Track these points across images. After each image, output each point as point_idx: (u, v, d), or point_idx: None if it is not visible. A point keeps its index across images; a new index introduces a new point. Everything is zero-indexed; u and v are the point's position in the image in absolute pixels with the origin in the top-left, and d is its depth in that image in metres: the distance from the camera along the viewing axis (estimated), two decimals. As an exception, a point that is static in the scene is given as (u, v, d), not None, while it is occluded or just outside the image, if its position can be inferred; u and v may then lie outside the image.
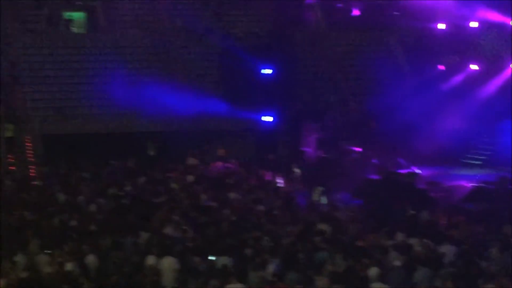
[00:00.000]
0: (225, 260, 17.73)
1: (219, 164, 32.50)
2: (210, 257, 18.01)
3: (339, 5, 40.23)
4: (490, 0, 35.88)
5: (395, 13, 40.18)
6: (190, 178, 29.42)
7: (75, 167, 30.47)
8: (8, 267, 16.86)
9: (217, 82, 38.79)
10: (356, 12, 39.83)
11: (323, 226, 21.42)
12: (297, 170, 31.57)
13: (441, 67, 39.66)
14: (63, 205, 23.92)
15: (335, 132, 37.17)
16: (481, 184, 30.16)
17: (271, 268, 17.48)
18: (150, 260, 17.71)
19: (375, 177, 32.68)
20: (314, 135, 36.91)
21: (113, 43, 38.82)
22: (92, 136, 34.73)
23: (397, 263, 17.91)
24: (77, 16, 40.71)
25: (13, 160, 33.68)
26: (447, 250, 19.31)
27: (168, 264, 17.48)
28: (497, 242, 19.91)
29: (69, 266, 17.00)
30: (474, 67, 38.38)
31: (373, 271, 17.36)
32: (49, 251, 18.03)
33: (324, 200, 28.04)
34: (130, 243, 19.21)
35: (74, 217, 21.85)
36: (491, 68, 37.73)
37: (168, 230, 20.50)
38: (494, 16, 36.81)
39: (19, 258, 17.59)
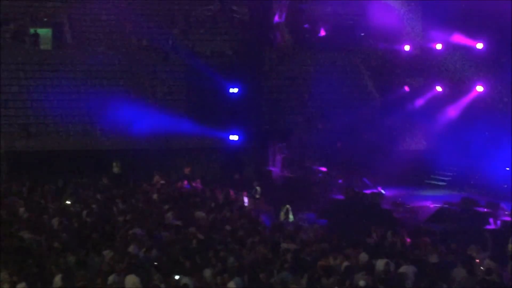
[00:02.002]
0: (186, 280, 17.69)
1: (185, 182, 32.44)
2: (175, 276, 17.93)
3: (306, 25, 40.44)
4: (455, 23, 36.20)
5: (361, 34, 40.47)
6: (156, 196, 29.32)
7: (39, 185, 30.19)
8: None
9: (184, 101, 38.83)
10: (323, 32, 40.06)
11: (287, 246, 21.43)
12: (258, 188, 31.61)
13: (406, 88, 39.98)
14: (26, 222, 23.67)
15: (301, 152, 37.32)
16: (444, 205, 30.36)
17: (233, 287, 17.44)
18: (113, 278, 17.59)
19: (340, 197, 32.85)
20: (280, 155, 37.05)
21: (80, 60, 38.72)
22: (57, 153, 34.58)
23: (362, 283, 17.94)
24: (44, 32, 40.55)
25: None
26: (409, 270, 19.39)
27: (131, 282, 17.40)
28: (461, 263, 20.03)
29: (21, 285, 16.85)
30: (438, 88, 38.75)
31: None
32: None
33: (290, 219, 28.12)
34: (94, 261, 19.08)
35: (38, 235, 21.65)
36: (456, 90, 38.08)
37: (132, 248, 20.40)
38: (459, 39, 37.20)
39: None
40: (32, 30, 40.04)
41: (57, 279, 17.28)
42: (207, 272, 18.59)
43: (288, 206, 28.79)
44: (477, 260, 20.71)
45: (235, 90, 37.60)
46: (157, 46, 39.62)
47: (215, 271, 18.61)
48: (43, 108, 36.79)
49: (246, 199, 30.18)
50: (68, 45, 40.12)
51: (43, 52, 39.51)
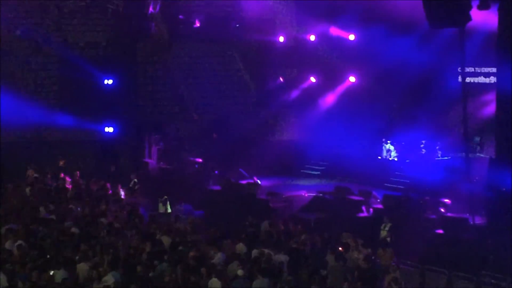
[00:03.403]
0: (62, 274, 17.45)
1: (61, 175, 31.91)
2: (50, 272, 17.66)
3: (181, 16, 40.32)
4: (328, 14, 36.85)
5: (236, 25, 40.66)
6: (29, 190, 28.78)
7: None
8: None
9: (56, 92, 38.15)
10: (197, 23, 40.03)
11: (164, 238, 21.43)
12: (135, 180, 31.43)
13: (281, 79, 40.46)
14: None
15: (177, 143, 37.31)
16: (319, 194, 30.92)
17: (110, 280, 17.32)
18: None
19: (216, 187, 33.03)
20: (156, 146, 36.93)
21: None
22: None
23: (239, 273, 18.11)
24: None
25: None
26: (285, 259, 19.70)
27: (1, 280, 17.04)
28: (333, 250, 20.47)
29: None
30: (312, 79, 39.38)
31: (214, 282, 17.49)
32: None
33: (168, 210, 28.10)
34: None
35: None
36: (329, 80, 38.79)
37: (8, 244, 19.98)
38: (332, 30, 37.89)
39: None
40: None
41: None
42: (83, 266, 18.39)
43: (166, 197, 28.77)
44: (351, 247, 21.19)
45: (110, 81, 37.23)
46: (29, 37, 38.74)
47: (91, 265, 18.42)
48: None
49: (122, 192, 29.95)
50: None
51: None
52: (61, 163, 33.82)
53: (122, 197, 29.35)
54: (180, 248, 20.39)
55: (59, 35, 39.45)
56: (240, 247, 20.91)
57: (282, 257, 19.76)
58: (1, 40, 38.31)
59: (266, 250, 20.14)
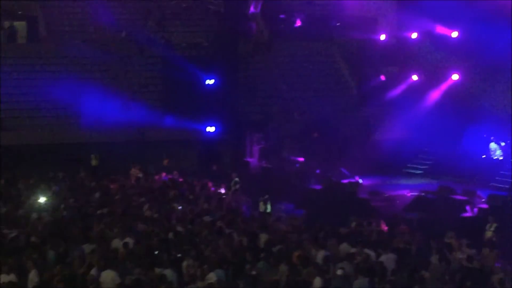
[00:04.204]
0: (167, 272, 17.63)
1: (163, 174, 32.36)
2: (155, 269, 17.87)
3: (282, 16, 40.41)
4: (430, 12, 36.32)
5: (336, 24, 40.52)
6: (133, 189, 29.25)
7: (16, 179, 30.04)
8: None
9: (159, 93, 38.76)
10: (298, 23, 40.05)
11: (265, 237, 21.47)
12: (236, 179, 31.58)
13: (382, 78, 40.09)
14: (4, 217, 23.56)
15: (278, 143, 37.33)
16: (421, 194, 30.51)
17: (213, 278, 17.44)
18: (92, 272, 17.51)
19: (317, 187, 32.89)
20: (257, 146, 37.04)
21: (55, 53, 38.55)
22: (34, 147, 34.40)
23: (340, 272, 17.99)
24: (18, 26, 40.27)
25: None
26: (388, 259, 19.48)
27: (109, 277, 17.29)
28: (438, 250, 20.14)
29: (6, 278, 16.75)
30: (414, 77, 38.88)
31: (317, 281, 17.42)
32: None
33: (268, 210, 28.13)
34: (73, 256, 18.99)
35: (15, 230, 21.55)
36: (431, 78, 38.23)
37: (111, 242, 20.33)
38: (434, 28, 37.34)
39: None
40: (7, 24, 39.71)
41: (32, 274, 17.18)
42: (186, 264, 18.56)
43: (267, 196, 28.80)
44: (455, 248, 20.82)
45: (211, 81, 37.56)
46: (132, 38, 39.46)
47: (195, 263, 18.59)
48: (18, 101, 36.57)
49: (224, 190, 30.15)
50: (43, 38, 39.86)
51: (18, 46, 39.23)
52: (165, 162, 34.28)
53: (224, 196, 29.55)
54: (280, 247, 20.38)
55: (162, 36, 40.07)
56: (344, 247, 20.78)
57: (387, 257, 19.54)
58: (106, 42, 39.16)
59: (366, 250, 19.98)
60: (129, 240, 20.20)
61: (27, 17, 40.39)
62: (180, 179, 31.72)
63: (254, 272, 18.10)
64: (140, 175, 32.05)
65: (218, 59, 38.08)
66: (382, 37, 39.43)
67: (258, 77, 40.49)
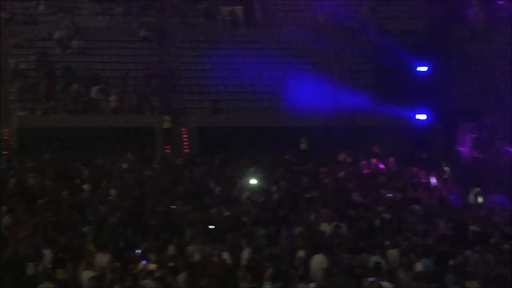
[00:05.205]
0: (376, 258, 17.58)
1: (373, 161, 32.23)
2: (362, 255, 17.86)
3: (501, 1, 39.12)
4: None
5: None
6: (342, 174, 29.38)
7: (229, 160, 30.96)
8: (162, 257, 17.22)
9: (371, 79, 38.60)
10: (517, 9, 38.64)
11: (476, 228, 20.97)
12: (446, 168, 30.95)
13: None
14: (218, 197, 24.38)
15: (492, 132, 36.19)
16: None
17: (419, 267, 17.22)
18: (301, 253, 17.75)
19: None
20: (469, 135, 36.09)
21: (269, 38, 39.27)
22: (245, 129, 35.25)
23: None
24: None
25: (170, 151, 34.63)
26: None
27: (318, 261, 17.46)
28: None
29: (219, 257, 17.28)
30: None
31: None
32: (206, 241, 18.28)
33: (480, 201, 27.42)
34: (283, 237, 19.36)
35: (228, 209, 22.22)
36: None
37: (320, 225, 20.53)
38: None
39: (171, 249, 17.94)
40: (227, 9, 40.75)
41: (246, 252, 17.65)
42: (394, 252, 18.44)
43: (478, 189, 28.02)
44: None
45: (424, 68, 36.99)
46: (345, 24, 39.54)
47: (402, 251, 18.45)
48: (233, 85, 37.59)
49: (434, 179, 29.67)
50: (258, 23, 40.73)
51: (234, 30, 40.29)
52: (376, 149, 34.12)
53: (434, 185, 29.08)
54: (494, 240, 19.84)
55: (375, 22, 39.88)
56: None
57: None
58: (319, 27, 39.43)
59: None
60: (340, 224, 20.29)
61: (243, 2, 41.36)
62: (390, 166, 31.54)
63: (462, 263, 17.75)
64: (349, 160, 32.14)
65: (432, 45, 37.43)
66: None
67: (472, 65, 39.40)
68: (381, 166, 31.61)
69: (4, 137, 34.13)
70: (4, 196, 23.33)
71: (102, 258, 16.77)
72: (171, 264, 16.41)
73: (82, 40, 38.30)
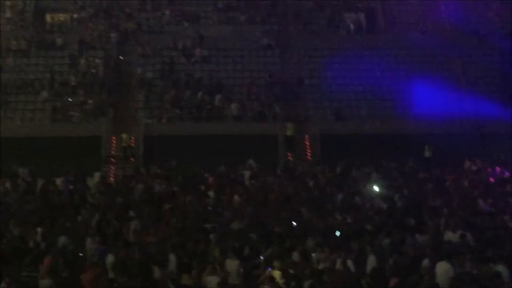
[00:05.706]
0: (499, 268, 17.16)
1: (496, 169, 31.49)
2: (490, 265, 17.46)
3: None
4: None
5: None
6: (467, 182, 28.83)
7: (351, 167, 30.84)
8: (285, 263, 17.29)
9: (497, 85, 37.77)
10: None
11: None
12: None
13: None
14: (341, 204, 24.33)
15: None
16: None
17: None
18: (426, 262, 17.52)
19: None
20: None
21: (391, 44, 39.00)
22: (367, 136, 35.03)
23: None
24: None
25: (292, 158, 34.80)
26: None
27: (443, 269, 17.18)
28: None
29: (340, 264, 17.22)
30: None
31: None
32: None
33: None
34: (408, 245, 19.16)
35: (351, 217, 22.15)
36: None
37: (446, 234, 20.20)
38: None
39: (295, 256, 18.00)
40: (351, 16, 40.75)
41: (371, 259, 17.54)
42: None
43: None
44: None
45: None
46: (471, 29, 38.88)
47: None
48: (356, 92, 37.46)
49: None
50: (380, 29, 40.53)
51: (357, 37, 40.17)
52: (502, 156, 33.22)
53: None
54: None
55: (502, 26, 39.07)
56: None
57: None
58: (443, 33, 38.88)
59: None
60: (465, 233, 19.91)
61: (366, 9, 41.24)
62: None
63: None
64: (474, 167, 31.50)
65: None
66: None
67: None
68: (507, 174, 30.80)
69: (132, 144, 35.07)
70: (132, 201, 24.01)
71: (231, 265, 17.01)
72: (295, 271, 16.46)
73: (205, 49, 38.97)
